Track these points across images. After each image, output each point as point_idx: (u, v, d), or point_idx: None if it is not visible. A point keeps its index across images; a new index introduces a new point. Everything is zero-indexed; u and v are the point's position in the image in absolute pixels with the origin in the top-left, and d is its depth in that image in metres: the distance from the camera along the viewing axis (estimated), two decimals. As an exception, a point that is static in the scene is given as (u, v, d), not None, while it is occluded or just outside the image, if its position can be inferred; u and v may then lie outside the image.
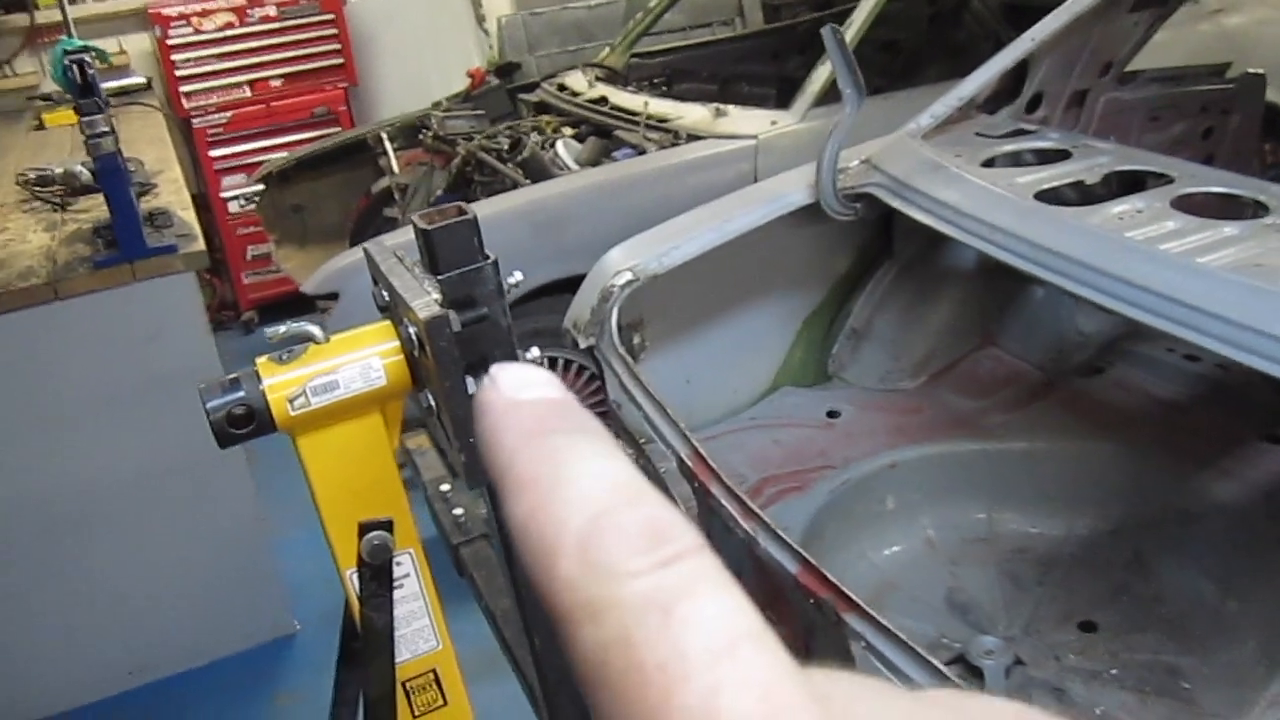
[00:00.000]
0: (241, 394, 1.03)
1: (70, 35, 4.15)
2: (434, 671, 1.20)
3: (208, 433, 1.04)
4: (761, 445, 2.30)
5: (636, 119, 3.47)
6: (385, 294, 1.08)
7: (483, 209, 3.06)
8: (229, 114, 5.13)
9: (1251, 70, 2.81)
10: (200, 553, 2.90)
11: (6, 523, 2.67)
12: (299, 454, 1.08)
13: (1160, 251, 1.67)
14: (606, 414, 2.12)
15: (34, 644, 2.80)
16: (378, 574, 1.10)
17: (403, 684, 1.18)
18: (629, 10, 5.01)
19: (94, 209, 2.83)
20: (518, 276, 1.06)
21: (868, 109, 2.19)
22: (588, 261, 2.26)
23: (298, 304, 3.37)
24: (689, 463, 1.71)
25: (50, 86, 4.61)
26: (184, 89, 5.05)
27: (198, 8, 5.00)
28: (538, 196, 3.19)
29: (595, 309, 2.08)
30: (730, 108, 3.40)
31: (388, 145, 4.00)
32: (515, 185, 3.35)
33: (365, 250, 1.15)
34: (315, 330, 1.06)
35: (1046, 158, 2.19)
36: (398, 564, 1.12)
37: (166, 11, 4.97)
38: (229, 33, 5.06)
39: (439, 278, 0.98)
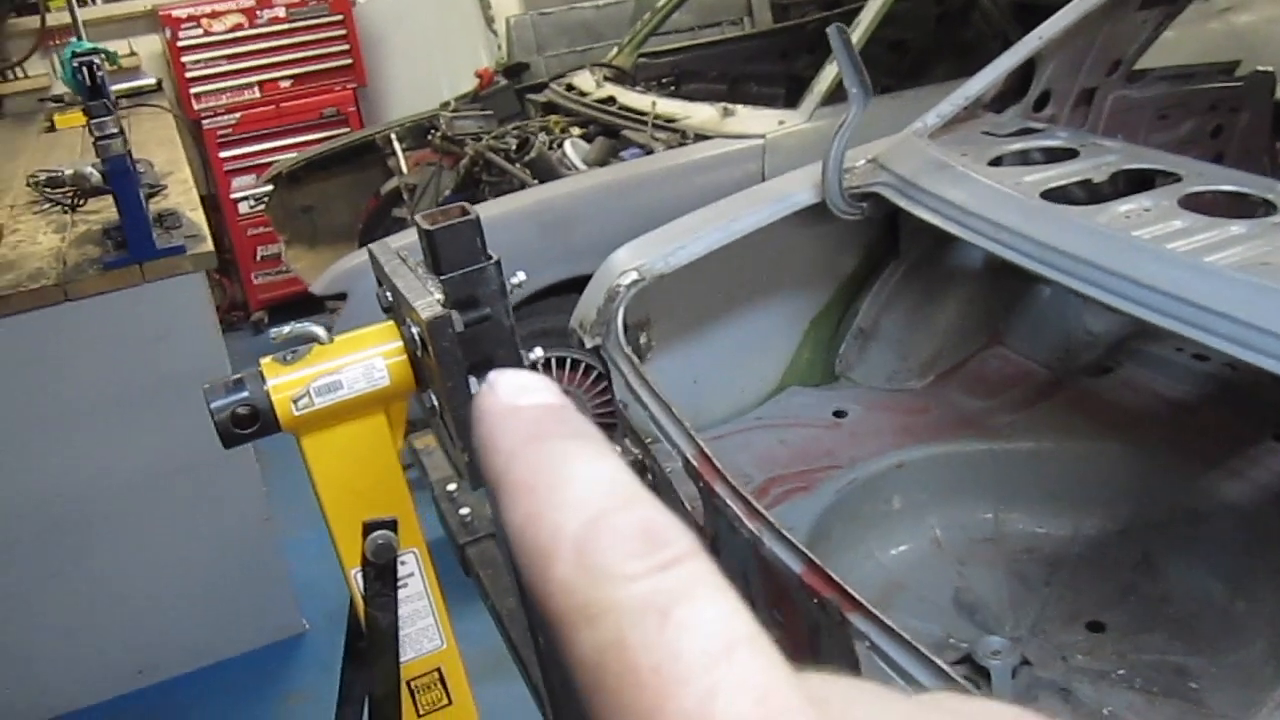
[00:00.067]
0: (246, 394, 1.03)
1: (80, 37, 4.17)
2: (439, 671, 1.21)
3: (215, 433, 1.04)
4: (768, 445, 2.29)
5: (644, 119, 3.48)
6: (389, 294, 1.09)
7: (490, 209, 3.07)
8: (238, 115, 5.15)
9: (1261, 68, 2.80)
10: (209, 552, 2.91)
11: (16, 522, 2.68)
12: (303, 454, 1.08)
13: (1167, 250, 1.67)
14: (613, 413, 2.12)
15: (43, 643, 2.81)
16: (382, 573, 1.10)
17: (407, 683, 1.19)
18: (637, 10, 5.02)
19: (104, 210, 2.85)
20: (520, 277, 1.07)
21: (875, 108, 2.18)
22: (595, 261, 2.26)
23: (307, 304, 3.38)
24: (694, 462, 1.71)
25: (61, 88, 4.64)
26: (194, 90, 5.07)
27: (207, 9, 5.02)
28: (545, 196, 3.19)
29: (601, 309, 2.08)
30: (738, 107, 3.40)
31: (396, 146, 4.01)
32: (523, 185, 3.35)
33: (369, 251, 1.16)
34: (319, 331, 1.07)
35: (1054, 156, 2.19)
36: (402, 563, 1.13)
37: (176, 13, 4.99)
38: (239, 34, 5.08)
39: (442, 278, 0.99)
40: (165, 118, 4.46)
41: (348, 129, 5.09)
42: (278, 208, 4.27)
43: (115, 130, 2.41)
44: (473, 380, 0.98)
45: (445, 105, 4.22)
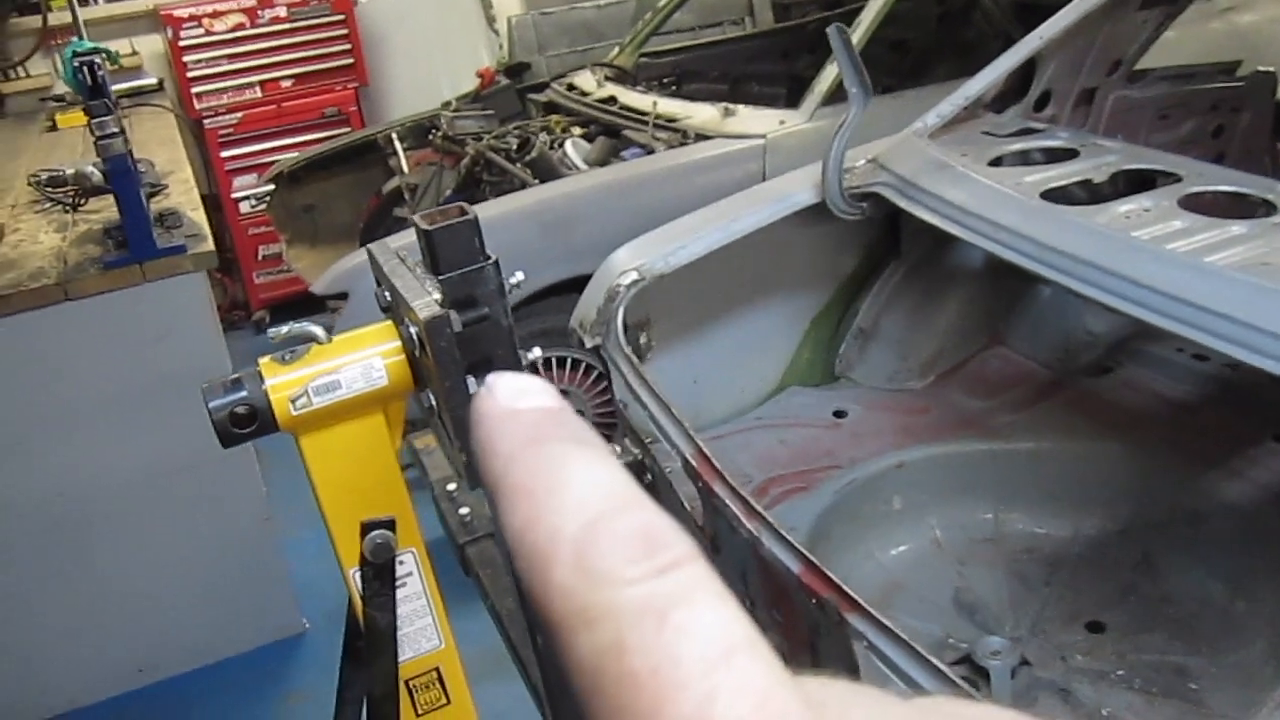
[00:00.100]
0: (244, 394, 1.03)
1: (81, 37, 4.17)
2: (437, 670, 1.21)
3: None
4: (768, 445, 2.29)
5: (645, 119, 3.48)
6: (387, 294, 1.09)
7: (491, 209, 3.07)
8: (240, 114, 5.15)
9: (1262, 68, 2.80)
10: (209, 552, 2.92)
11: (17, 521, 2.68)
12: (301, 454, 1.08)
13: (1166, 251, 1.67)
14: (613, 413, 2.12)
15: (44, 642, 2.82)
16: (380, 573, 1.10)
17: (406, 683, 1.19)
18: (638, 10, 5.02)
19: (105, 210, 2.85)
20: (519, 276, 1.07)
21: (877, 108, 2.18)
22: (596, 261, 2.26)
23: (309, 304, 3.39)
24: (693, 462, 1.71)
25: (63, 88, 4.64)
26: (195, 90, 5.08)
27: (209, 9, 5.02)
28: (546, 196, 3.19)
29: (601, 309, 2.08)
30: (738, 107, 3.40)
31: (398, 145, 4.01)
32: (524, 185, 3.35)
33: (368, 251, 1.16)
34: (317, 330, 1.07)
35: (1054, 156, 2.19)
36: (400, 563, 1.13)
37: (178, 13, 4.99)
38: (240, 34, 5.08)
39: (440, 278, 0.99)
40: (167, 117, 4.46)
41: (349, 128, 5.09)
42: (279, 207, 4.28)
43: (116, 130, 2.42)
44: (470, 380, 0.98)
45: (446, 105, 4.22)
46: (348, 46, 5.26)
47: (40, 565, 2.74)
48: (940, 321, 2.52)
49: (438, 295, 0.98)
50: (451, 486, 1.89)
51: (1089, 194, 2.04)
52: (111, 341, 2.65)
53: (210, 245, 2.68)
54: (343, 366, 1.05)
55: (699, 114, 3.46)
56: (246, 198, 5.13)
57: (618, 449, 1.91)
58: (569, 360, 3.14)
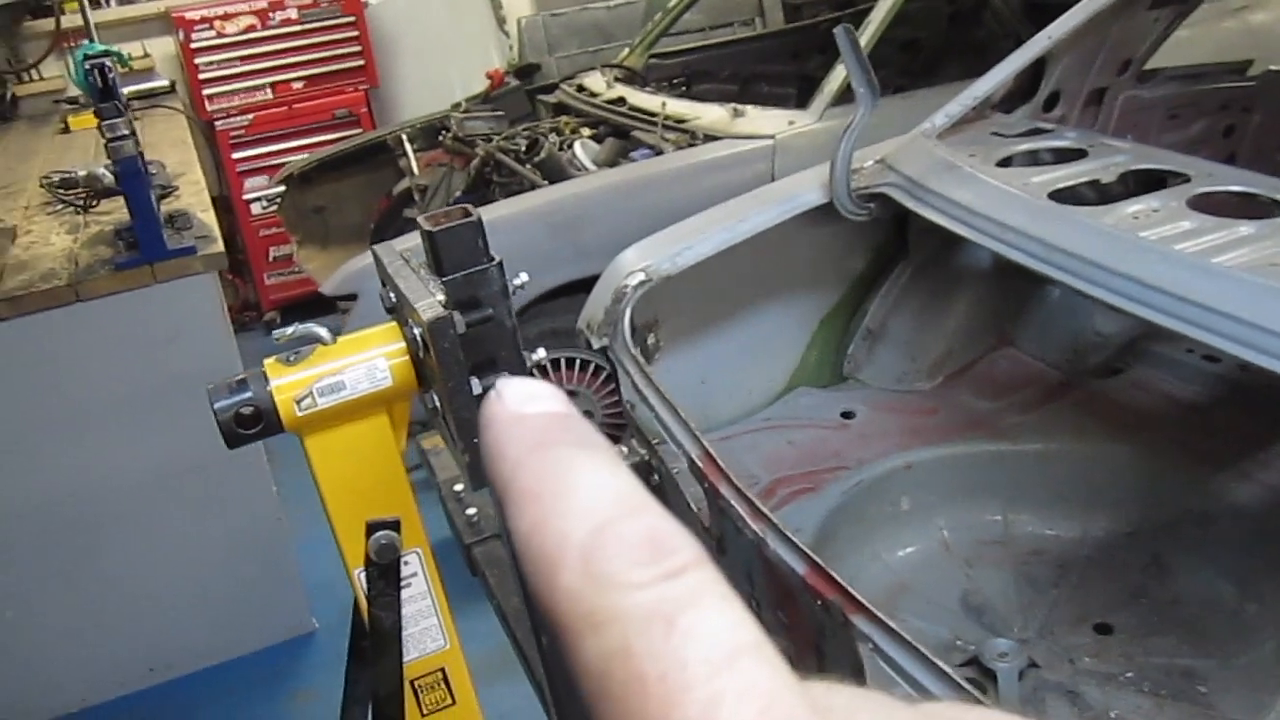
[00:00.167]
0: (249, 395, 1.04)
1: (92, 40, 4.19)
2: (442, 670, 1.21)
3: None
4: (776, 446, 2.29)
5: (654, 120, 3.48)
6: (392, 295, 1.09)
7: (500, 210, 3.08)
8: (251, 116, 5.17)
9: (1274, 68, 2.78)
10: (219, 552, 2.93)
11: (28, 521, 2.70)
12: (306, 454, 1.09)
13: (1174, 251, 1.66)
14: (621, 414, 2.12)
15: (55, 641, 2.83)
16: (385, 573, 1.11)
17: (411, 683, 1.19)
18: (648, 11, 5.02)
19: (116, 211, 2.86)
20: (523, 278, 1.07)
21: (887, 108, 2.18)
22: (605, 262, 2.26)
23: (319, 304, 3.40)
24: (699, 463, 1.71)
25: (75, 90, 4.67)
26: (207, 92, 5.10)
27: (220, 11, 5.04)
28: (555, 197, 3.20)
29: (609, 309, 2.08)
30: (748, 108, 3.40)
31: (408, 147, 4.03)
32: (533, 186, 3.36)
33: (373, 252, 1.16)
34: (322, 331, 1.07)
35: (1063, 157, 2.18)
36: (405, 563, 1.13)
37: (189, 15, 5.02)
38: (251, 36, 5.11)
39: (444, 279, 0.99)
40: (178, 119, 4.49)
41: (359, 130, 5.10)
42: (290, 208, 4.29)
43: (126, 132, 2.43)
44: (474, 381, 0.98)
45: (456, 106, 4.24)
46: (358, 48, 5.28)
47: (52, 565, 2.75)
48: (949, 322, 2.51)
49: (441, 296, 0.98)
50: (458, 487, 1.90)
51: (1098, 194, 2.03)
52: (122, 342, 2.66)
53: (220, 246, 2.69)
54: (347, 367, 1.06)
55: (708, 115, 3.46)
56: (258, 199, 5.16)
57: (624, 450, 1.91)
58: (578, 361, 3.15)
